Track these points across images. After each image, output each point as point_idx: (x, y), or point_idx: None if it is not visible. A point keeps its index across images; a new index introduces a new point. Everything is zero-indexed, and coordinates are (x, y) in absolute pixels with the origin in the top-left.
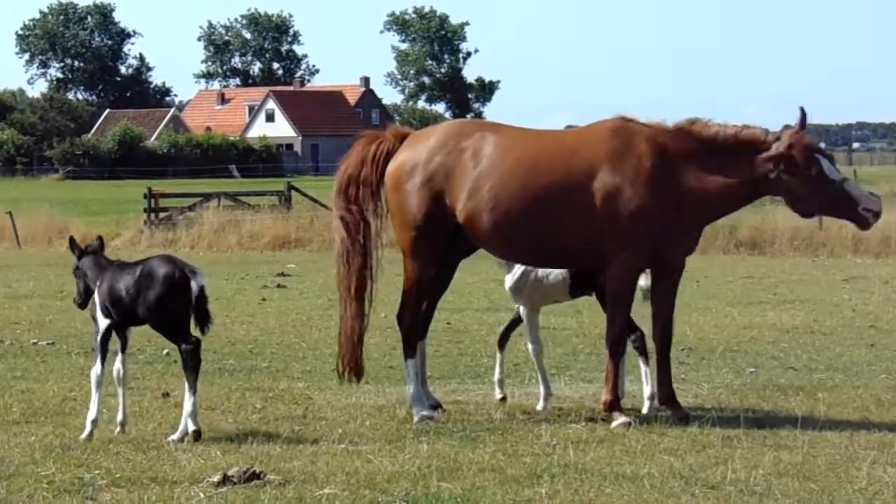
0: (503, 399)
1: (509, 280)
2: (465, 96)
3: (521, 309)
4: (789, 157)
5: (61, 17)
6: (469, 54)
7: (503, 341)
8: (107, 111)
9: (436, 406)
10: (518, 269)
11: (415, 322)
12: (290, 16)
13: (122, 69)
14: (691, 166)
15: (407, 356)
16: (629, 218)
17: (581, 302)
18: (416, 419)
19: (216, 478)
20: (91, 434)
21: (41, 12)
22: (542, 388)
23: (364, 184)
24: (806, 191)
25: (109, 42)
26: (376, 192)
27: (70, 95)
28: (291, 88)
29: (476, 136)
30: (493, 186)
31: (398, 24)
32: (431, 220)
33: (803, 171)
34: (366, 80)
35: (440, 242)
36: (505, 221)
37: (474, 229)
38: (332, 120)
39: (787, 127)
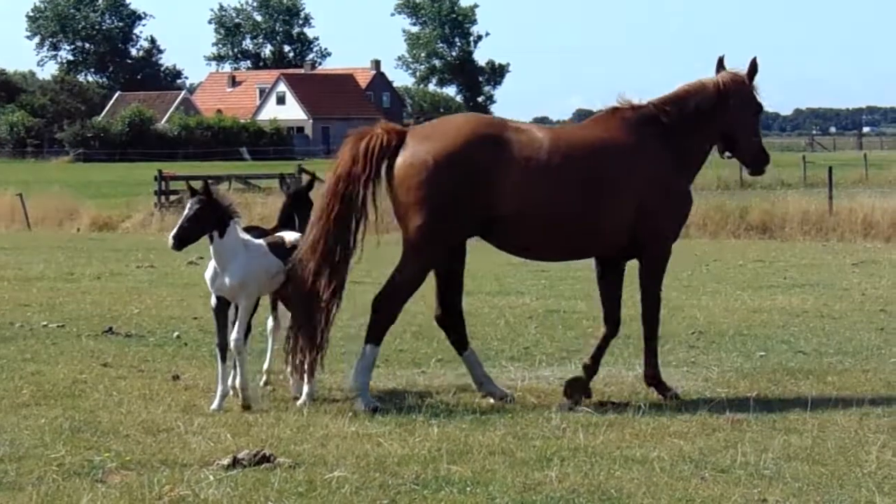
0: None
1: (238, 273)
2: (475, 79)
3: (243, 302)
4: (745, 89)
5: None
6: (480, 37)
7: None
8: (117, 93)
9: (504, 396)
10: (245, 260)
11: (397, 314)
12: None
13: (133, 51)
14: (683, 131)
15: (372, 341)
16: (666, 198)
17: (592, 286)
18: (361, 407)
19: (226, 460)
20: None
21: None
22: (221, 387)
23: (358, 181)
24: (746, 126)
25: (120, 24)
26: (371, 189)
27: (80, 77)
28: (302, 71)
29: (510, 130)
30: (548, 183)
31: (409, 7)
32: (463, 214)
33: (748, 107)
34: (377, 64)
35: (462, 238)
36: (559, 217)
37: (518, 226)
38: (343, 103)
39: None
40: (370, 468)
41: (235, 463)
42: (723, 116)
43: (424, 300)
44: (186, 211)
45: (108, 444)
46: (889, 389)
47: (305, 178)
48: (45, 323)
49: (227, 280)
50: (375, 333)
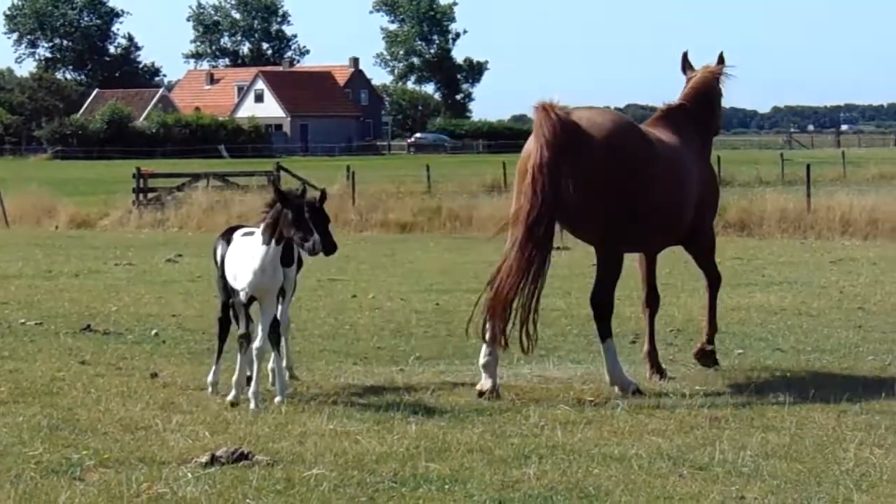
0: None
1: (280, 273)
2: (454, 77)
3: (271, 304)
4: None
5: None
6: (458, 35)
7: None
8: (95, 91)
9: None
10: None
11: (612, 303)
12: None
13: (111, 49)
14: (707, 126)
15: (608, 336)
16: (714, 190)
17: (571, 284)
18: (624, 391)
19: (204, 458)
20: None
21: None
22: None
23: (564, 160)
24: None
25: (98, 21)
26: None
27: (59, 75)
28: (280, 69)
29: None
30: (669, 179)
31: (387, 4)
32: (644, 206)
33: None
34: (355, 61)
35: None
36: (673, 210)
37: (651, 220)
38: (321, 100)
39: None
40: (348, 466)
41: (213, 461)
42: (720, 107)
43: (403, 298)
44: (310, 215)
45: (87, 442)
46: (866, 387)
47: (298, 187)
48: (22, 320)
49: (275, 280)
50: (607, 326)
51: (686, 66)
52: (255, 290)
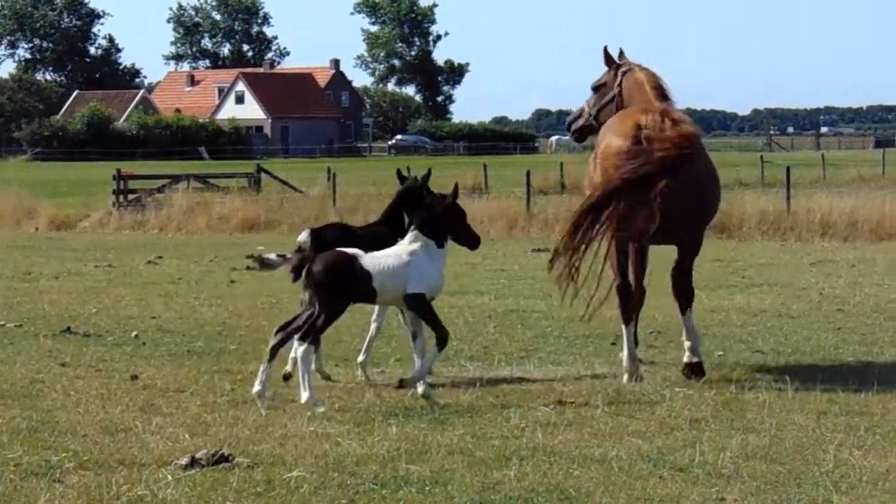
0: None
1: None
2: (434, 79)
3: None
4: None
5: None
6: (439, 37)
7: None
8: (76, 92)
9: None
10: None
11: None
12: None
13: (92, 50)
14: None
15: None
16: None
17: (550, 285)
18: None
19: (184, 460)
20: None
21: None
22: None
23: None
24: None
25: (78, 23)
26: None
27: (38, 76)
28: (261, 70)
29: None
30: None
31: (368, 6)
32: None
33: None
34: (336, 63)
35: None
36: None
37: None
38: (302, 102)
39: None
40: (329, 468)
41: (193, 463)
42: None
43: None
44: None
45: (66, 444)
46: (846, 389)
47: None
48: (2, 322)
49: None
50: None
51: (610, 60)
52: (437, 292)
